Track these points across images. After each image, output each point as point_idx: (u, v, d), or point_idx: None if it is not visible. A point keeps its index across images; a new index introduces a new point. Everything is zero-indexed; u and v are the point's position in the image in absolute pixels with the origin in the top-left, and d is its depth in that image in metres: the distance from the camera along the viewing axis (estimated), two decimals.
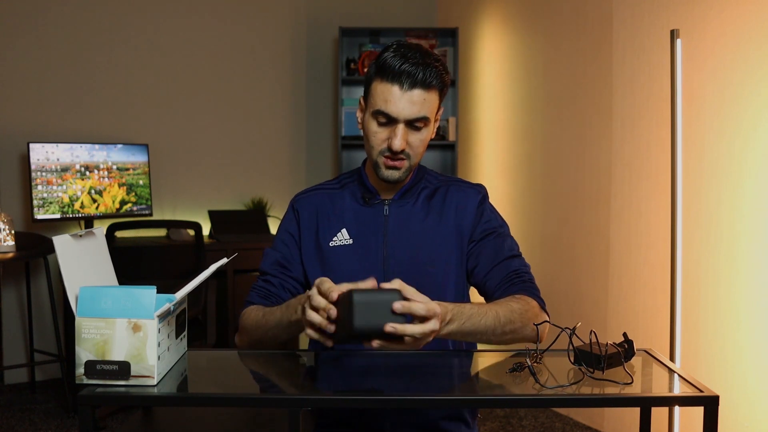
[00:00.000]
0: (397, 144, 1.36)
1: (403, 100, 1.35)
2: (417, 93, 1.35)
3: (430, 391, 1.16)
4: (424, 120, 1.38)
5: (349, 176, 1.57)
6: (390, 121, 1.37)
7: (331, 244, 1.48)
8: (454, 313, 1.21)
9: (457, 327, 1.21)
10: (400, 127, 1.37)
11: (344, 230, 1.48)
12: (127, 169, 3.69)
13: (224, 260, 1.21)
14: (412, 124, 1.38)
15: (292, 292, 1.50)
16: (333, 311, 1.12)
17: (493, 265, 1.45)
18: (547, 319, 1.33)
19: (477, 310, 1.25)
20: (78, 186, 3.52)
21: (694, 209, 2.48)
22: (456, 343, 1.45)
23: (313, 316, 1.15)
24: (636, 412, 1.31)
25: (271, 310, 1.37)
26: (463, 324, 1.22)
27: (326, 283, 1.15)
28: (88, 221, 3.57)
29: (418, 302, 1.11)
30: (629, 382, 1.13)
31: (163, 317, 1.11)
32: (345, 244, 1.47)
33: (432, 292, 1.25)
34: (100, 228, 1.26)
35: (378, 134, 1.39)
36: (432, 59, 1.37)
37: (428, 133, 1.41)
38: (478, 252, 1.47)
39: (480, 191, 1.53)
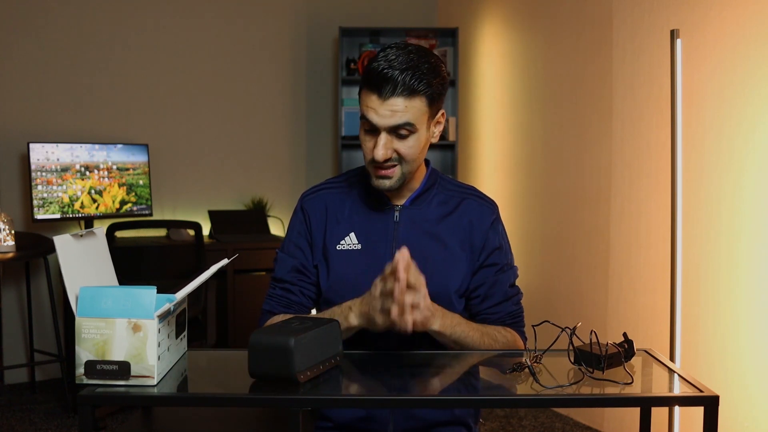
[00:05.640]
0: (378, 154, 1.33)
1: (382, 109, 1.32)
2: (398, 101, 1.31)
3: (430, 391, 1.16)
4: (408, 127, 1.33)
5: (356, 175, 1.52)
6: (374, 129, 1.34)
7: (339, 247, 1.45)
8: (445, 313, 1.33)
9: (449, 325, 1.33)
10: (382, 136, 1.33)
11: (353, 234, 1.45)
12: (127, 169, 3.68)
13: (225, 261, 1.21)
14: (396, 132, 1.34)
15: (313, 299, 1.48)
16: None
17: (492, 303, 1.47)
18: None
19: (467, 324, 1.37)
20: (78, 186, 3.52)
21: (694, 209, 2.48)
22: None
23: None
24: (636, 412, 1.31)
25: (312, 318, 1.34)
26: (454, 328, 1.34)
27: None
28: (88, 221, 3.57)
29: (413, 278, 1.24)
30: (629, 382, 1.13)
31: (163, 317, 1.11)
32: (353, 249, 1.44)
33: (439, 301, 1.29)
34: (101, 228, 1.26)
35: (366, 143, 1.37)
36: (423, 61, 1.33)
37: (417, 139, 1.36)
38: (480, 282, 1.46)
39: (494, 211, 1.50)
